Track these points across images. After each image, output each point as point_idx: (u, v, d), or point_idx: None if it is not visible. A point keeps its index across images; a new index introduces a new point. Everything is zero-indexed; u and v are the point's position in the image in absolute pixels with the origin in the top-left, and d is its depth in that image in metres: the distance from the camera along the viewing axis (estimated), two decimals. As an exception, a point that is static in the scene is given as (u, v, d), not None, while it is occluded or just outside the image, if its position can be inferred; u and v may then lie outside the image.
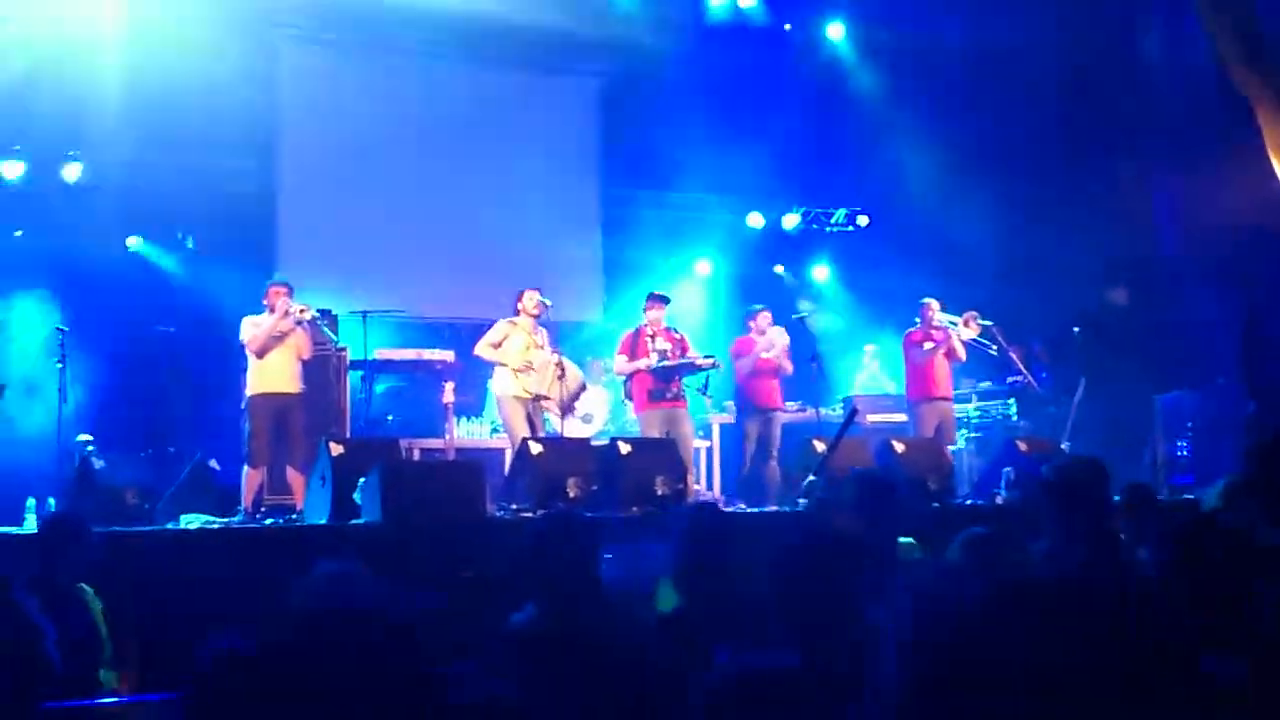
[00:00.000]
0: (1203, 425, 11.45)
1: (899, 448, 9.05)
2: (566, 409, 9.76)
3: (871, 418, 11.42)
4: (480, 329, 9.89)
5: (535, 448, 8.09)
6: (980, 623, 1.14)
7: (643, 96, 13.28)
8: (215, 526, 7.69)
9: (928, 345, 10.68)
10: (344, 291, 10.93)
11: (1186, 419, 11.55)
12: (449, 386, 10.35)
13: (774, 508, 9.21)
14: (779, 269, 14.56)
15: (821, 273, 14.89)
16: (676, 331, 10.17)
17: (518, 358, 9.50)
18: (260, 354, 8.97)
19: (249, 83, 11.91)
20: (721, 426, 11.67)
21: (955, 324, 10.76)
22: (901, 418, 11.54)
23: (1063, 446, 10.01)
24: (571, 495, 7.71)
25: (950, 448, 10.54)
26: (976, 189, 12.75)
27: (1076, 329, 12.67)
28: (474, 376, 10.78)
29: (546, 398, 9.54)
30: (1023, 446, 9.14)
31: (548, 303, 9.70)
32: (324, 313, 9.71)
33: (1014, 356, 11.14)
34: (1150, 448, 11.56)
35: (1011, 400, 12.15)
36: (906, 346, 10.91)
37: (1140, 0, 13.33)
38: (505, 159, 12.92)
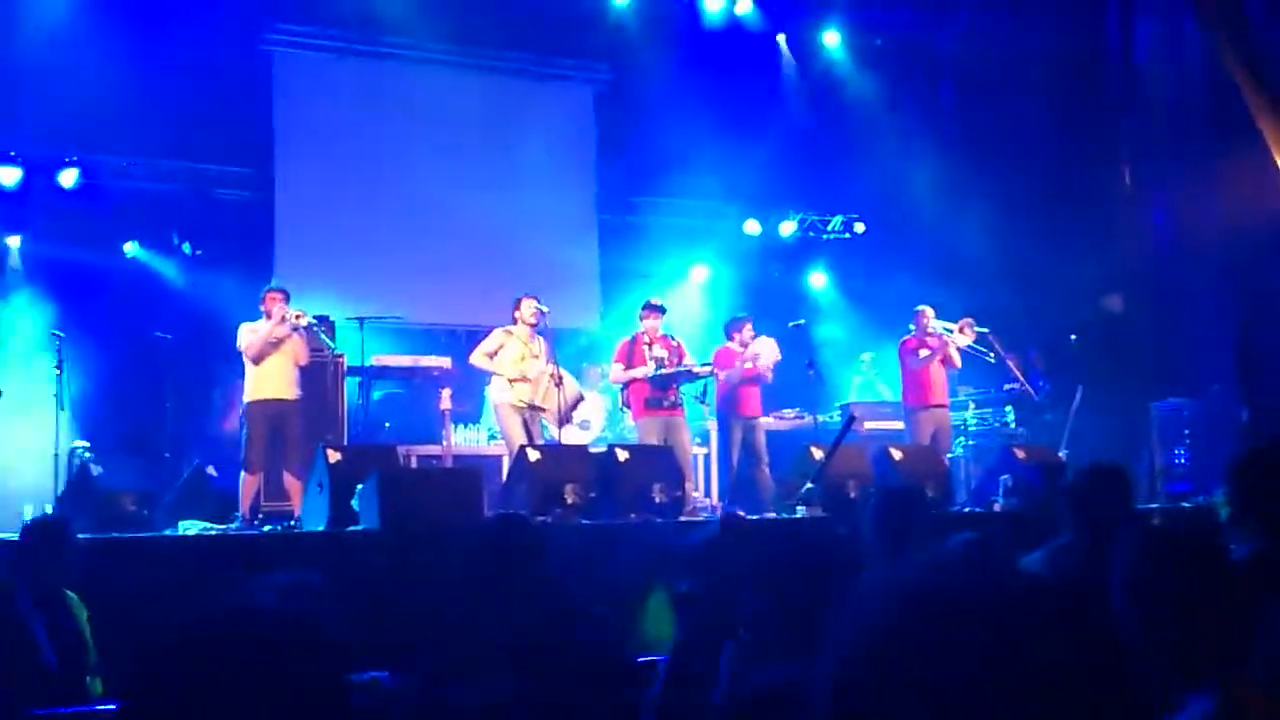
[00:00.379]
0: (1199, 433, 11.46)
1: (896, 455, 9.07)
2: (564, 419, 9.76)
3: (869, 425, 11.42)
4: (477, 335, 9.89)
5: (533, 454, 8.09)
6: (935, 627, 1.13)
7: (639, 103, 13.29)
8: (213, 533, 7.68)
9: (923, 353, 10.67)
10: (341, 298, 10.93)
11: (1183, 427, 11.56)
12: (446, 393, 10.34)
13: (771, 514, 9.22)
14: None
15: (818, 280, 14.89)
16: (673, 339, 10.17)
17: (512, 367, 9.48)
18: (257, 360, 8.96)
19: (246, 89, 11.92)
20: (719, 434, 11.67)
21: (951, 331, 10.76)
22: (899, 425, 11.53)
23: (1060, 454, 10.01)
24: (569, 502, 7.71)
25: (947, 455, 10.55)
26: (972, 196, 12.77)
27: (1073, 336, 12.68)
28: (471, 383, 10.77)
29: (542, 408, 9.54)
30: (1020, 454, 9.15)
31: (545, 309, 9.69)
32: (321, 319, 9.70)
33: (1010, 364, 11.15)
34: (1147, 456, 11.57)
35: (1009, 408, 12.16)
36: (902, 354, 10.91)
37: (1136, 6, 13.36)
38: (502, 166, 12.91)
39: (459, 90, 13.02)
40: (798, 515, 8.47)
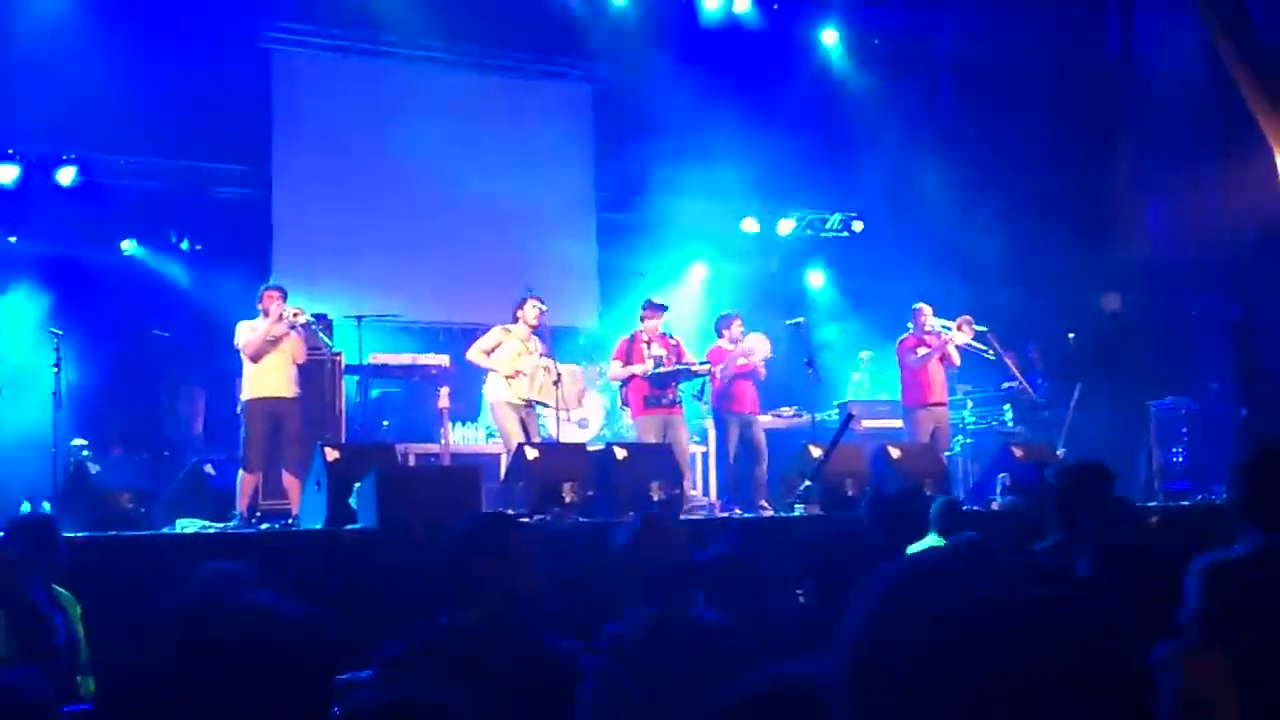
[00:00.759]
0: (1197, 431, 11.47)
1: (895, 453, 9.07)
2: (570, 404, 9.73)
3: (867, 423, 11.42)
4: (475, 334, 9.88)
5: (531, 452, 8.10)
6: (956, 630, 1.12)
7: (637, 102, 13.27)
8: (210, 531, 7.68)
9: (922, 351, 10.67)
10: (339, 296, 10.93)
11: (1181, 425, 11.58)
12: (444, 391, 10.33)
13: (769, 512, 9.23)
14: None
15: (817, 278, 14.89)
16: (672, 337, 10.17)
17: (508, 364, 9.48)
18: (255, 359, 8.95)
19: (244, 87, 11.91)
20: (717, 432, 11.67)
21: (949, 329, 10.76)
22: (897, 423, 11.54)
23: (1058, 452, 10.02)
24: (567, 500, 7.72)
25: (945, 453, 10.55)
26: (971, 194, 12.78)
27: (1071, 335, 12.69)
28: (470, 382, 10.76)
29: (543, 403, 9.53)
30: (1018, 452, 9.16)
31: (543, 307, 9.69)
32: (319, 317, 9.69)
33: (1009, 362, 11.15)
34: (1145, 454, 11.58)
35: (1007, 406, 12.16)
36: (900, 352, 10.91)
37: (1135, 6, 13.37)
38: (500, 164, 12.90)
39: (457, 88, 13.00)
40: (796, 514, 8.48)
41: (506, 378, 9.45)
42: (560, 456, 8.38)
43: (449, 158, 12.71)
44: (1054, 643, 1.08)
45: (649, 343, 9.92)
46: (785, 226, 14.62)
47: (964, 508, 5.90)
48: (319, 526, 7.28)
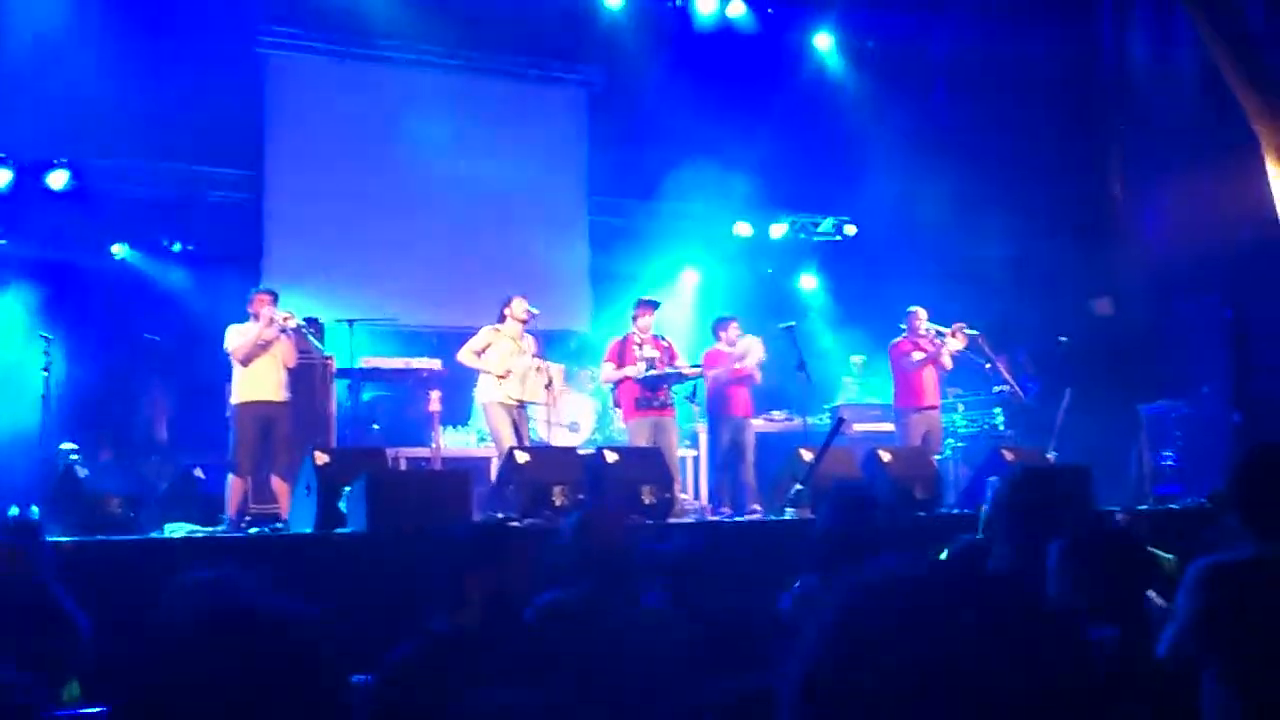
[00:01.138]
0: (1188, 435, 11.49)
1: (885, 457, 9.07)
2: (553, 401, 9.73)
3: (858, 427, 11.43)
4: (467, 337, 9.86)
5: (522, 456, 8.08)
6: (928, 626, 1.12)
7: (631, 106, 13.28)
8: (200, 536, 7.66)
9: (917, 355, 10.69)
10: (330, 299, 10.92)
11: (1172, 428, 11.59)
12: (435, 395, 10.32)
13: (758, 514, 9.23)
14: None
15: (809, 282, 14.90)
16: (664, 340, 10.17)
17: (499, 364, 9.47)
18: (245, 362, 8.94)
19: (237, 91, 11.90)
20: (709, 436, 11.66)
21: (944, 335, 10.77)
22: (888, 427, 11.55)
23: (1049, 456, 10.03)
24: (557, 504, 7.70)
25: (937, 456, 10.56)
26: (963, 199, 12.79)
27: (1063, 338, 12.70)
28: (461, 385, 10.75)
29: (534, 402, 9.52)
30: (1009, 455, 9.15)
31: (535, 311, 9.68)
32: (310, 321, 9.68)
33: (1000, 365, 11.16)
34: (1136, 457, 11.59)
35: (998, 409, 12.17)
36: (894, 356, 10.92)
37: (1129, 10, 13.38)
38: (492, 168, 12.89)
39: (450, 93, 13.00)
40: (786, 517, 8.48)
41: (498, 377, 9.44)
42: (551, 460, 8.37)
43: (442, 162, 12.71)
44: (1014, 671, 1.07)
45: (641, 344, 9.92)
46: (778, 230, 14.63)
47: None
48: (309, 531, 7.26)
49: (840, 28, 14.38)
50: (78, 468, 8.50)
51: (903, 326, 10.91)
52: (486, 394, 9.54)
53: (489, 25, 12.64)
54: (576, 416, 11.46)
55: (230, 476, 8.84)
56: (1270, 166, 10.46)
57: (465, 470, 8.55)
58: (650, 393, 9.79)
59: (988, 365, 10.96)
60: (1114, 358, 12.61)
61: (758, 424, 10.85)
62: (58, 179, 11.27)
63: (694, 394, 10.37)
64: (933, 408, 10.76)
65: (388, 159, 12.63)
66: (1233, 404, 11.65)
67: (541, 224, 13.13)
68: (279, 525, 8.28)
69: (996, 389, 11.82)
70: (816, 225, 14.79)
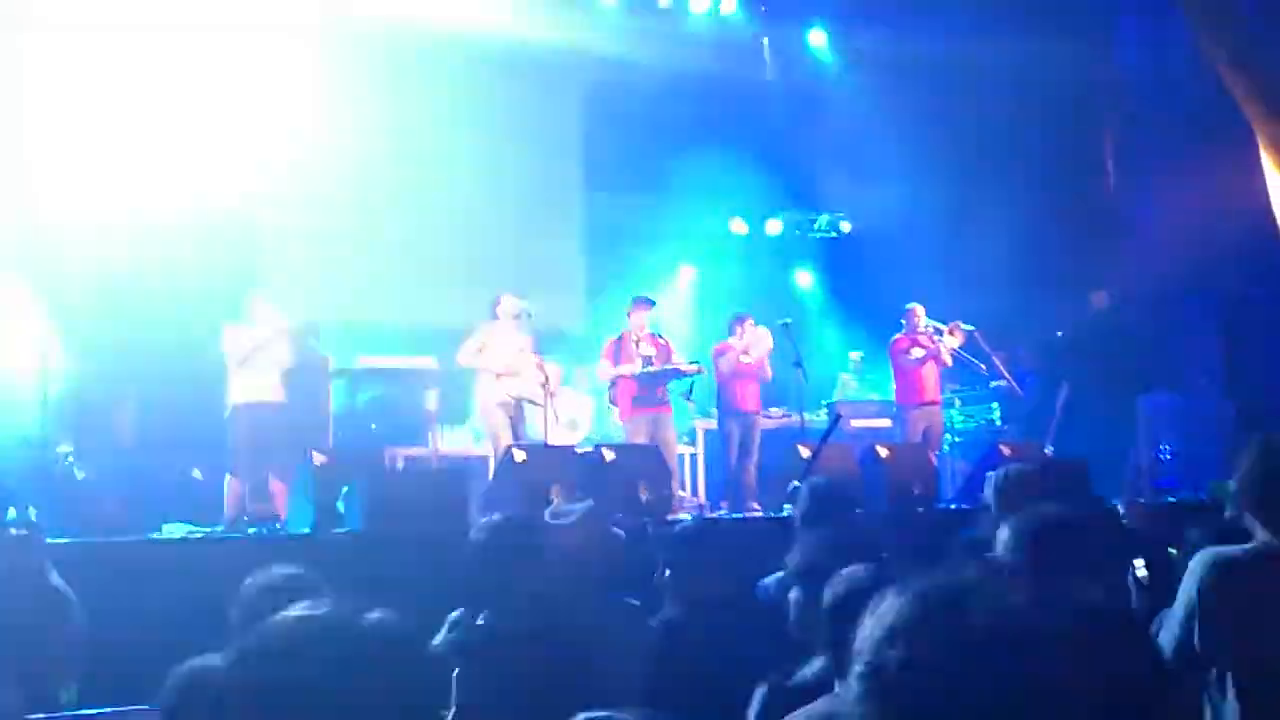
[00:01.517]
0: (1186, 429, 11.50)
1: (883, 453, 9.08)
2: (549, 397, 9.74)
3: (856, 423, 11.43)
4: (463, 336, 9.85)
5: (519, 455, 8.08)
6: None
7: (625, 103, 13.27)
8: (197, 536, 7.66)
9: (916, 352, 10.71)
10: (327, 299, 10.90)
11: (1169, 422, 11.60)
12: (432, 394, 10.32)
13: (759, 512, 9.23)
14: None
15: (805, 279, 14.90)
16: (661, 337, 10.17)
17: (499, 362, 9.46)
18: (242, 363, 8.93)
19: (231, 89, 11.87)
20: (706, 432, 11.67)
21: (942, 332, 10.78)
22: (886, 423, 11.56)
23: (1046, 450, 10.04)
24: (554, 502, 7.69)
25: (937, 452, 10.59)
26: (958, 195, 12.79)
27: (1059, 333, 12.71)
28: (458, 384, 10.74)
29: (532, 401, 9.51)
30: (1006, 450, 9.16)
31: (527, 307, 9.68)
32: (306, 321, 9.66)
33: (997, 361, 11.17)
34: (1133, 451, 11.60)
35: (995, 404, 12.18)
36: (893, 352, 10.94)
37: (1122, 9, 13.39)
38: (488, 166, 12.88)
39: (445, 90, 12.94)
40: (784, 513, 8.47)
41: (498, 375, 9.44)
42: (548, 458, 8.37)
43: (437, 160, 12.68)
44: (1090, 677, 1.07)
45: (638, 342, 9.92)
46: (773, 227, 14.63)
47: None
48: (307, 531, 7.26)
49: (834, 24, 14.38)
50: (75, 468, 8.48)
51: (902, 323, 10.92)
52: (485, 392, 9.55)
53: (483, 22, 12.60)
54: (574, 414, 11.46)
55: (228, 477, 8.84)
56: (1268, 167, 10.47)
57: (463, 469, 8.56)
58: (648, 390, 9.79)
59: (983, 367, 10.97)
60: (1111, 352, 12.61)
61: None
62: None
63: (690, 391, 10.37)
64: (933, 403, 10.78)
65: (381, 157, 12.58)
66: (1229, 397, 11.66)
67: (537, 222, 13.12)
68: (277, 525, 8.28)
69: (994, 384, 11.83)
70: (813, 222, 14.79)
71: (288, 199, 12.23)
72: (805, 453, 8.77)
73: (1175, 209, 12.22)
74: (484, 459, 10.04)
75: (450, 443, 11.01)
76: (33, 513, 7.75)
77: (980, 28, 12.89)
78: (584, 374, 11.69)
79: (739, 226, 14.44)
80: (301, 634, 1.37)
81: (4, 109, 10.43)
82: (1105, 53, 13.52)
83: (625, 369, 9.80)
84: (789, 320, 10.67)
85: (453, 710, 3.38)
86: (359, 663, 1.36)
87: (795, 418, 10.98)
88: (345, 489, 7.20)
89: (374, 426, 11.12)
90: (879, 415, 11.83)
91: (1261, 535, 3.19)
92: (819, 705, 2.82)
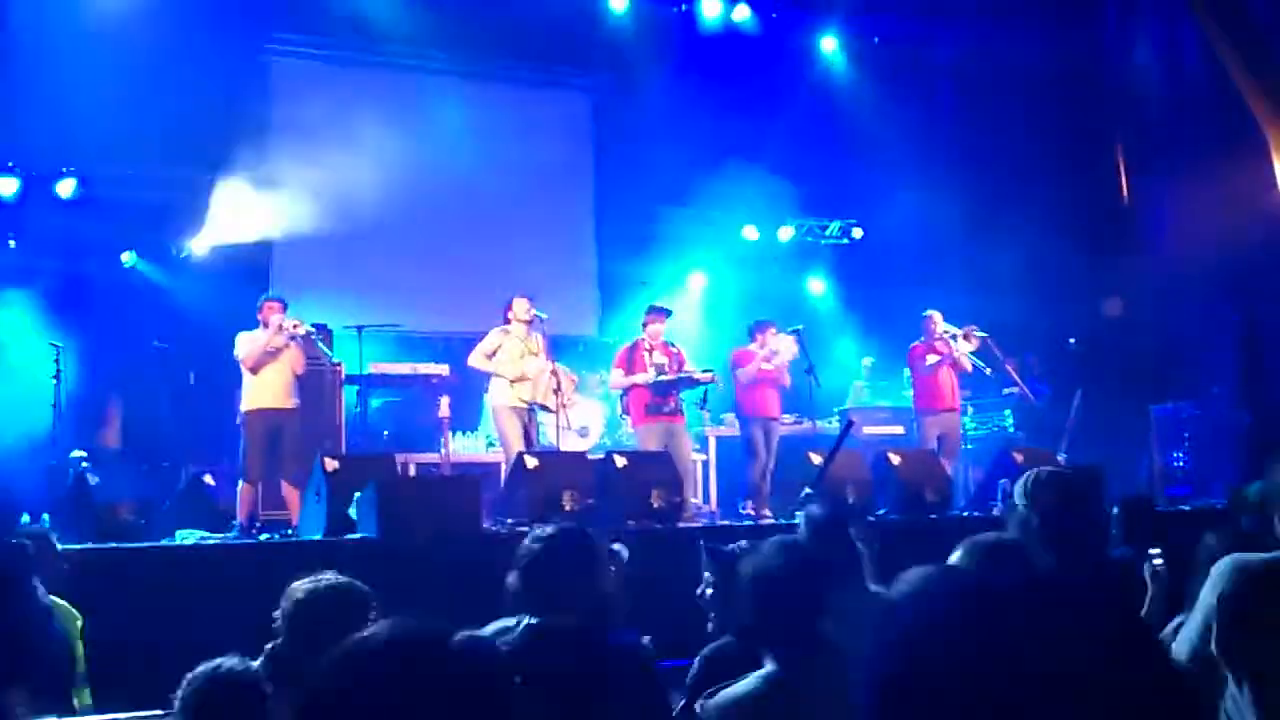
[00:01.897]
0: (1198, 436, 11.45)
1: (895, 460, 9.06)
2: (562, 407, 9.73)
3: (867, 430, 11.41)
4: (475, 343, 9.86)
5: (531, 461, 8.07)
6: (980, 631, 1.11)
7: (637, 110, 13.28)
8: (210, 542, 7.67)
9: (931, 358, 10.69)
10: (339, 306, 10.91)
11: (1182, 430, 11.56)
12: (444, 401, 10.31)
13: (770, 520, 9.20)
14: None
15: (817, 285, 14.88)
16: (673, 346, 10.16)
17: (512, 367, 9.45)
18: (255, 370, 8.94)
19: (243, 98, 11.92)
20: (718, 440, 11.65)
21: (955, 337, 10.75)
22: (898, 430, 11.55)
23: (1059, 457, 10.00)
24: (567, 508, 7.69)
25: (954, 458, 10.55)
26: (971, 201, 12.76)
27: (1072, 340, 12.68)
28: (469, 390, 10.76)
29: (545, 407, 9.49)
30: (1019, 457, 9.13)
31: (544, 316, 9.66)
32: (319, 327, 9.69)
33: (1009, 368, 11.14)
34: (1146, 458, 11.56)
35: (1007, 411, 12.15)
36: (911, 359, 10.94)
37: (1134, 10, 13.36)
38: (500, 173, 12.90)
39: (457, 98, 13.00)
40: (796, 520, 8.45)
41: (511, 381, 9.42)
42: (560, 465, 8.36)
43: (449, 167, 12.72)
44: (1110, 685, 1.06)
45: (651, 350, 9.90)
46: (785, 234, 14.61)
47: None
48: (319, 537, 7.26)
49: (845, 30, 14.37)
50: (88, 475, 8.50)
51: (922, 337, 10.91)
52: (497, 397, 9.53)
53: (495, 31, 12.65)
54: (585, 421, 11.45)
55: (240, 483, 8.85)
56: (1278, 167, 10.44)
57: (475, 476, 8.56)
58: (660, 398, 9.78)
59: (989, 371, 10.93)
60: (1124, 360, 12.57)
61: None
62: (66, 187, 11.29)
63: (704, 400, 10.36)
64: (951, 410, 10.74)
65: (393, 164, 12.61)
66: (1243, 405, 11.61)
67: (549, 229, 13.13)
68: (289, 531, 8.29)
69: (1006, 391, 11.80)
70: (824, 229, 14.76)
71: (301, 206, 12.26)
72: (817, 460, 8.75)
73: (1190, 216, 12.19)
74: (496, 465, 10.05)
75: (462, 449, 11.02)
76: (46, 519, 7.78)
77: (993, 35, 12.88)
78: (596, 380, 11.69)
79: (751, 233, 14.42)
80: (391, 657, 1.34)
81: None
82: (1119, 60, 13.49)
83: (639, 378, 9.78)
84: (801, 327, 10.66)
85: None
86: (448, 685, 1.33)
87: (807, 424, 10.98)
88: (357, 495, 7.19)
89: (386, 433, 11.15)
90: (891, 422, 11.81)
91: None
92: (748, 686, 2.81)
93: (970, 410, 12.19)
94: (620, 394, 10.24)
